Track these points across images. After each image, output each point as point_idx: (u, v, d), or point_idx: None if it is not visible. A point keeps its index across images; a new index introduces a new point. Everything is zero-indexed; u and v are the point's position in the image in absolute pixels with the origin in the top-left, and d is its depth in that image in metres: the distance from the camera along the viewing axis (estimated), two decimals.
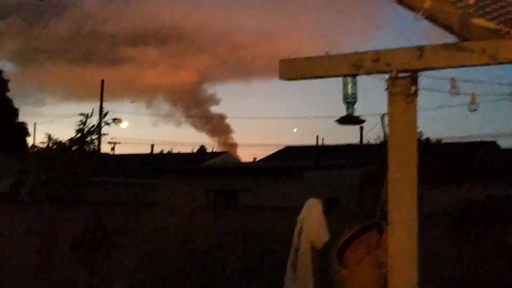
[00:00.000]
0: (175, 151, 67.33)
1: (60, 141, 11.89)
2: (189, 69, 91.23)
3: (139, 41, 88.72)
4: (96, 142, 12.01)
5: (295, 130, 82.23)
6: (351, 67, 5.47)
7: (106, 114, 12.10)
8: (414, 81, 5.26)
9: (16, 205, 17.20)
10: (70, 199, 12.37)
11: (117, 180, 44.05)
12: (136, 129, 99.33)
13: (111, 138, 58.82)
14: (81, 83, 78.44)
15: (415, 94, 5.31)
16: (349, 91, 5.71)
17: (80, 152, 11.92)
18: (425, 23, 5.11)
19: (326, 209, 8.54)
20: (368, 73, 5.43)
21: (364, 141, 47.90)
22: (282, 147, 50.75)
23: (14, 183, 24.70)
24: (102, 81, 59.31)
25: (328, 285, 7.47)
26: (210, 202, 35.29)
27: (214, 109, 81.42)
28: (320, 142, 51.79)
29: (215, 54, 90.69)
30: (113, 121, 12.19)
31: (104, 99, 57.25)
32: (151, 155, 61.11)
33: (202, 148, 70.89)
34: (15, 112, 63.54)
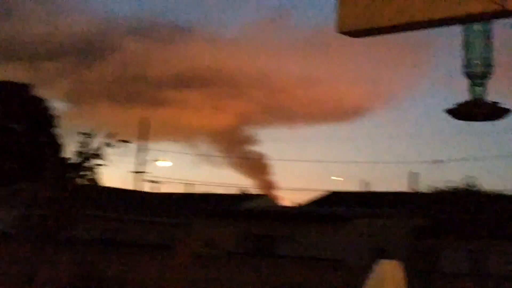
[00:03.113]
0: (214, 192, 64.92)
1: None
2: (228, 112, 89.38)
3: (180, 84, 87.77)
4: (97, 169, 9.26)
5: (337, 178, 78.85)
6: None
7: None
8: None
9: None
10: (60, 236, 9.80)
11: (150, 219, 41.57)
12: (177, 169, 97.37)
13: (150, 177, 57.06)
14: (124, 123, 77.66)
15: None
16: (478, 51, 2.98)
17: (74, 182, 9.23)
18: None
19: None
20: None
21: (417, 189, 44.33)
22: (326, 193, 47.57)
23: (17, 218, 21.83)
24: (144, 119, 57.84)
25: None
26: (245, 249, 32.38)
27: (253, 150, 79.22)
28: (366, 188, 48.58)
29: (254, 98, 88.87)
30: (107, 145, 9.42)
31: (145, 139, 55.61)
32: (190, 195, 58.81)
33: (241, 191, 68.32)
34: (58, 148, 62.52)
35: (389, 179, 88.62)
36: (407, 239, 33.05)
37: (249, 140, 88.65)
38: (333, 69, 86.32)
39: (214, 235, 30.83)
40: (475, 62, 3.43)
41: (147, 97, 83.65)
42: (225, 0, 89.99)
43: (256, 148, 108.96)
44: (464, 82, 3.61)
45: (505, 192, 40.11)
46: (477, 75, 3.44)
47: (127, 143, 9.41)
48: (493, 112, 3.47)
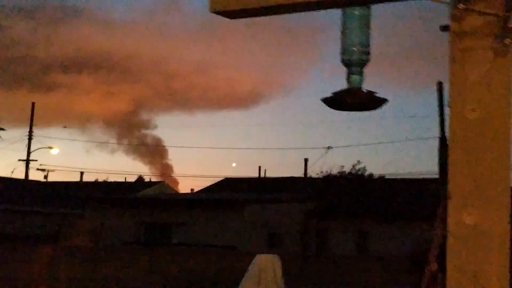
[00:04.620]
0: (110, 180, 63.50)
1: None
2: (122, 97, 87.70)
3: (71, 67, 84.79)
4: None
5: (234, 164, 79.64)
6: None
7: None
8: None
9: None
10: None
11: (36, 209, 40.23)
12: (69, 157, 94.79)
13: (40, 165, 55.09)
14: (10, 108, 74.09)
15: None
16: (356, 36, 2.86)
17: None
18: None
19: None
20: None
21: (309, 175, 45.22)
22: (220, 179, 47.76)
23: None
24: (33, 104, 55.63)
25: None
26: (140, 237, 32.02)
27: (149, 136, 78.00)
28: (262, 174, 49.08)
29: (149, 83, 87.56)
30: None
31: (34, 125, 53.64)
32: (82, 184, 57.31)
33: (140, 178, 67.25)
34: None
35: (283, 165, 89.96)
36: (300, 222, 33.68)
37: (145, 126, 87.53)
38: (228, 55, 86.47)
39: (107, 225, 30.34)
40: (353, 49, 3.30)
41: (34, 81, 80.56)
42: None
43: (152, 134, 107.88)
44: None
45: (388, 176, 41.84)
46: (354, 63, 3.31)
47: (2, 130, 8.96)
48: (370, 101, 3.34)
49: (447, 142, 2.36)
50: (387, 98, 3.15)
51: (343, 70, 3.28)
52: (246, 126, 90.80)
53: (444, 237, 2.34)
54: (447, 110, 2.41)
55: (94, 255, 13.78)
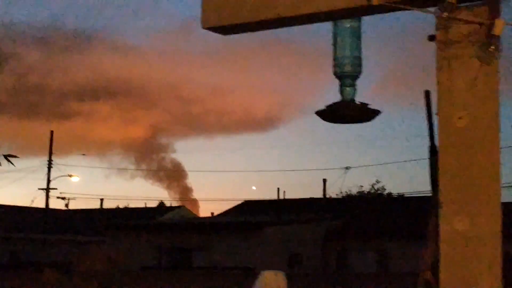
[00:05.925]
0: (131, 206, 63.57)
1: None
2: (140, 123, 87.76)
3: (87, 94, 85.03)
4: None
5: (254, 187, 79.91)
6: None
7: None
8: (496, 12, 2.37)
9: None
10: None
11: (57, 237, 40.39)
12: (89, 184, 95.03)
13: (60, 193, 55.31)
14: (28, 138, 74.23)
15: (498, 47, 2.43)
16: (347, 48, 2.89)
17: None
18: None
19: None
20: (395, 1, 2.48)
21: (328, 195, 45.07)
22: (239, 202, 47.69)
23: None
24: (51, 132, 56.02)
25: None
26: (160, 262, 32.02)
27: (169, 161, 78.31)
28: (281, 196, 48.96)
29: (166, 108, 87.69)
30: None
31: (53, 153, 53.97)
32: (102, 211, 57.42)
33: (161, 203, 67.21)
34: None
35: (302, 186, 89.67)
36: (320, 243, 33.53)
37: (164, 151, 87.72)
38: (244, 78, 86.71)
39: (127, 251, 30.39)
40: (344, 61, 3.35)
41: (51, 109, 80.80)
42: (129, 8, 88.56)
43: (171, 158, 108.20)
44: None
45: (407, 194, 41.56)
46: (347, 75, 3.36)
47: (15, 158, 9.05)
48: (362, 113, 3.40)
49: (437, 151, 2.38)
50: (380, 110, 3.19)
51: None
52: (264, 148, 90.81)
53: (438, 245, 2.35)
54: (436, 119, 2.43)
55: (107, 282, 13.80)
